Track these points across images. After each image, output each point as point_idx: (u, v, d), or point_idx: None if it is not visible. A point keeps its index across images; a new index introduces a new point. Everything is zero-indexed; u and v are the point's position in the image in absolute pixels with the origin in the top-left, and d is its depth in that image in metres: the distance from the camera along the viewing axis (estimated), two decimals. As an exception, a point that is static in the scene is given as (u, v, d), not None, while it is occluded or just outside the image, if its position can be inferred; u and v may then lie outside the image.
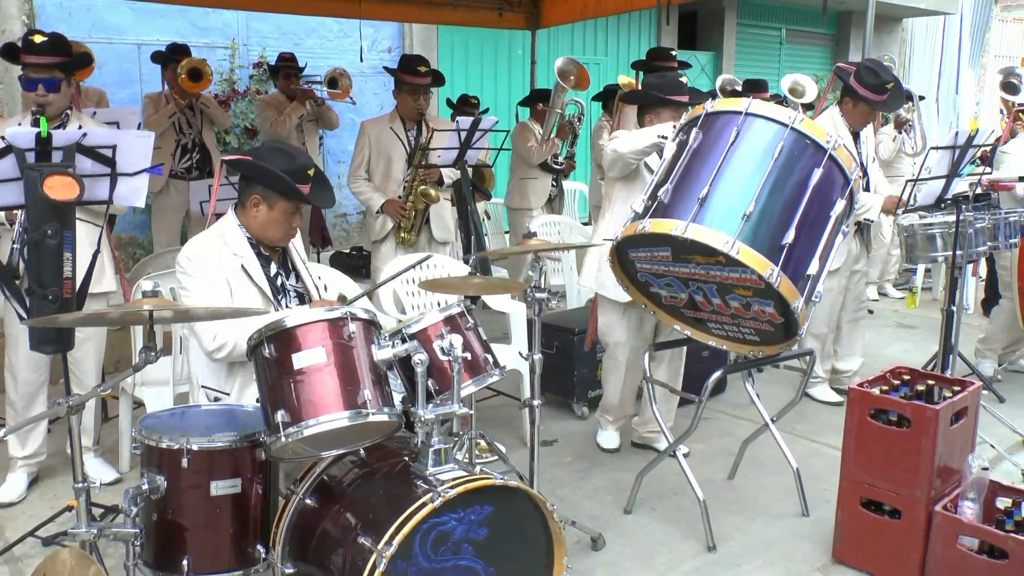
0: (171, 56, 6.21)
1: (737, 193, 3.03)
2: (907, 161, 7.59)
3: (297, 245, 3.41)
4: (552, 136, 6.84)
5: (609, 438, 4.61)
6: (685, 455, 4.26)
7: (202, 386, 3.14)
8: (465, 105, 7.33)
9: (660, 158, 3.43)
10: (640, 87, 4.29)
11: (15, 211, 3.49)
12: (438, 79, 5.59)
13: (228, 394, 3.10)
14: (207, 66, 6.06)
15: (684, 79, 4.22)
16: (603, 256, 3.99)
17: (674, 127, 3.48)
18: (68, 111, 3.86)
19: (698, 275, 3.22)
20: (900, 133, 7.56)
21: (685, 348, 4.39)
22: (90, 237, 3.61)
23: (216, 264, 3.09)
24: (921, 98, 8.01)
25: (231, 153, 3.20)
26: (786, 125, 3.10)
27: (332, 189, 3.40)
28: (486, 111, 7.09)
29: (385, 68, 5.45)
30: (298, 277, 3.37)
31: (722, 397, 5.37)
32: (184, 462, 2.52)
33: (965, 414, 3.44)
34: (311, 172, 3.14)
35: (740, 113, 3.16)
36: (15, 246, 3.56)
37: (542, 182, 7.08)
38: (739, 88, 7.82)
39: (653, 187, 3.24)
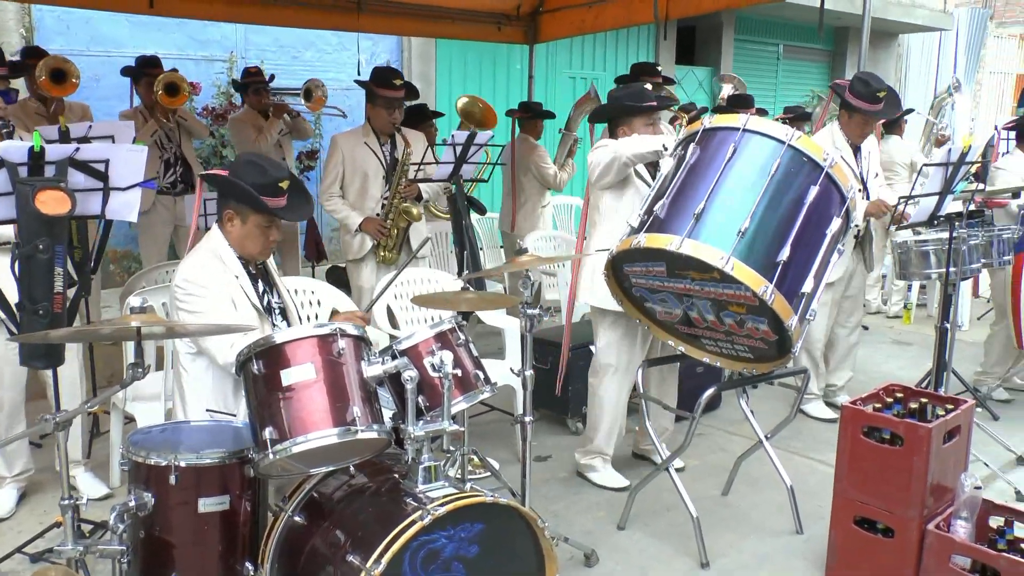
0: (142, 70, 6.13)
1: (733, 209, 3.03)
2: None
3: (269, 261, 3.39)
4: (569, 159, 6.85)
5: (612, 477, 4.36)
6: (679, 470, 4.26)
7: (207, 409, 3.10)
8: (419, 119, 6.56)
9: (656, 169, 3.42)
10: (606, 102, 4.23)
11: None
12: (412, 92, 5.46)
13: (235, 415, 3.08)
14: (183, 80, 5.99)
15: (666, 92, 4.19)
16: (596, 267, 3.98)
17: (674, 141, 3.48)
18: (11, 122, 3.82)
19: (693, 291, 3.21)
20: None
21: (677, 366, 4.37)
22: None
23: (218, 283, 3.08)
24: (909, 111, 8.07)
25: (225, 167, 3.19)
26: (783, 142, 3.11)
27: (311, 201, 3.36)
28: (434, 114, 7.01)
29: (357, 81, 5.29)
30: (279, 294, 3.37)
31: (716, 413, 5.36)
32: (172, 479, 2.50)
33: (958, 432, 3.43)
34: (284, 185, 3.11)
35: (738, 130, 3.17)
36: None
37: (552, 206, 7.04)
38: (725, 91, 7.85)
39: (649, 202, 3.25)
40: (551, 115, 7.13)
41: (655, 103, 4.02)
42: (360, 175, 5.04)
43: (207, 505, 2.58)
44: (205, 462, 2.58)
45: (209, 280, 3.06)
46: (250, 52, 8.49)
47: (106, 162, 3.23)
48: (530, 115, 6.99)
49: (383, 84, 4.93)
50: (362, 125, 5.18)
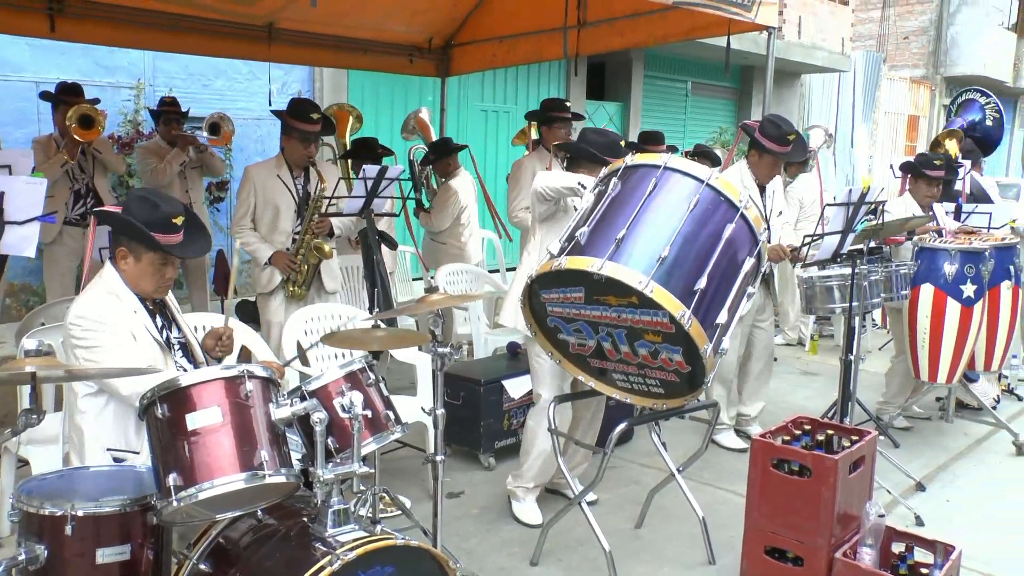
0: (61, 97, 5.93)
1: (653, 237, 3.09)
2: None
3: (169, 297, 3.30)
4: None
5: (531, 511, 4.33)
6: (592, 503, 4.26)
7: (108, 449, 2.98)
8: (365, 150, 6.71)
9: (576, 209, 3.46)
10: (578, 138, 4.29)
11: None
12: (328, 126, 5.36)
13: (137, 453, 2.96)
14: (99, 113, 5.79)
15: (623, 142, 4.25)
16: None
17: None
18: None
19: (609, 319, 3.24)
20: None
21: (604, 401, 4.38)
22: None
23: (115, 318, 2.98)
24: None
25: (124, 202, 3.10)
26: (702, 181, 3.19)
27: (207, 238, 3.27)
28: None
29: (273, 112, 5.19)
30: (180, 328, 3.27)
31: (629, 446, 5.39)
32: (68, 529, 2.37)
33: (863, 463, 3.54)
34: (178, 220, 3.03)
35: (659, 167, 3.25)
36: None
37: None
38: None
39: (571, 230, 3.29)
40: (463, 146, 7.15)
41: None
42: (271, 208, 4.94)
43: (106, 556, 2.45)
44: (105, 510, 2.45)
45: (105, 315, 2.95)
46: (158, 79, 8.29)
47: (1, 195, 3.11)
48: (445, 152, 6.93)
49: (299, 117, 4.85)
50: (275, 156, 5.07)
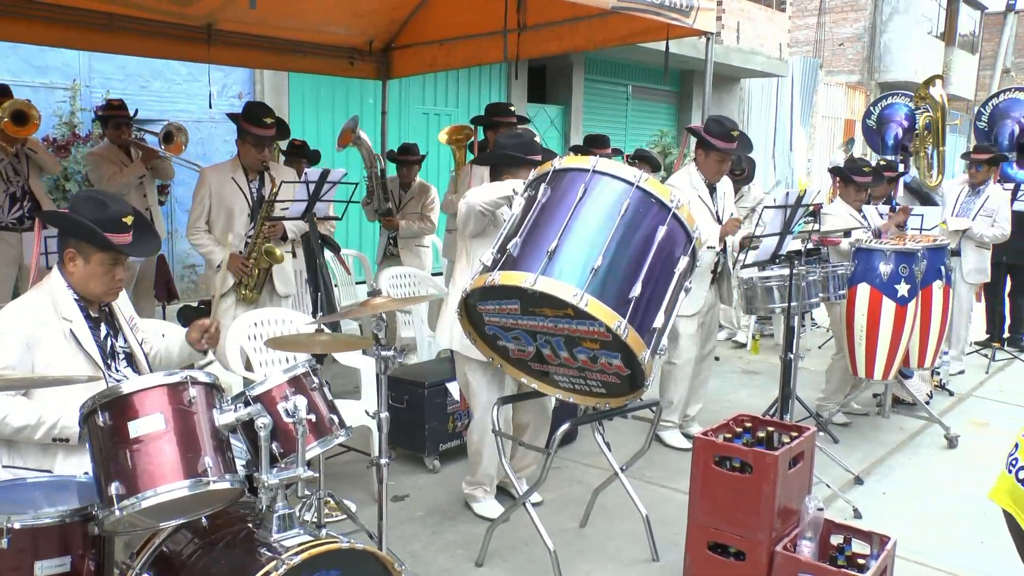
0: None
1: (585, 247, 3.10)
2: None
3: (122, 304, 3.24)
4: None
5: (493, 507, 4.40)
6: (537, 504, 4.29)
7: (5, 466, 2.88)
8: (299, 153, 6.99)
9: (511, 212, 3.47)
10: (493, 147, 4.29)
11: None
12: (283, 131, 5.32)
13: (50, 471, 2.88)
14: (33, 108, 5.64)
15: (537, 137, 4.27)
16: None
17: (523, 182, 3.54)
18: None
19: (546, 328, 3.26)
20: None
21: (551, 403, 4.41)
22: None
23: (25, 331, 2.86)
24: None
25: (70, 202, 3.04)
26: (632, 183, 3.20)
27: (157, 238, 3.26)
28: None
29: (228, 115, 5.19)
30: (125, 338, 3.21)
31: (573, 446, 5.43)
32: (3, 543, 2.30)
33: (802, 458, 3.62)
34: (128, 220, 2.99)
35: (587, 171, 3.25)
36: None
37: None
38: None
39: (502, 241, 3.28)
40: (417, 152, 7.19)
41: (540, 156, 4.05)
42: (225, 211, 4.95)
43: (45, 569, 2.38)
44: (43, 522, 2.38)
45: (11, 323, 2.86)
46: (95, 80, 8.12)
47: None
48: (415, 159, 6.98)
49: (253, 122, 4.85)
50: (231, 159, 5.09)
